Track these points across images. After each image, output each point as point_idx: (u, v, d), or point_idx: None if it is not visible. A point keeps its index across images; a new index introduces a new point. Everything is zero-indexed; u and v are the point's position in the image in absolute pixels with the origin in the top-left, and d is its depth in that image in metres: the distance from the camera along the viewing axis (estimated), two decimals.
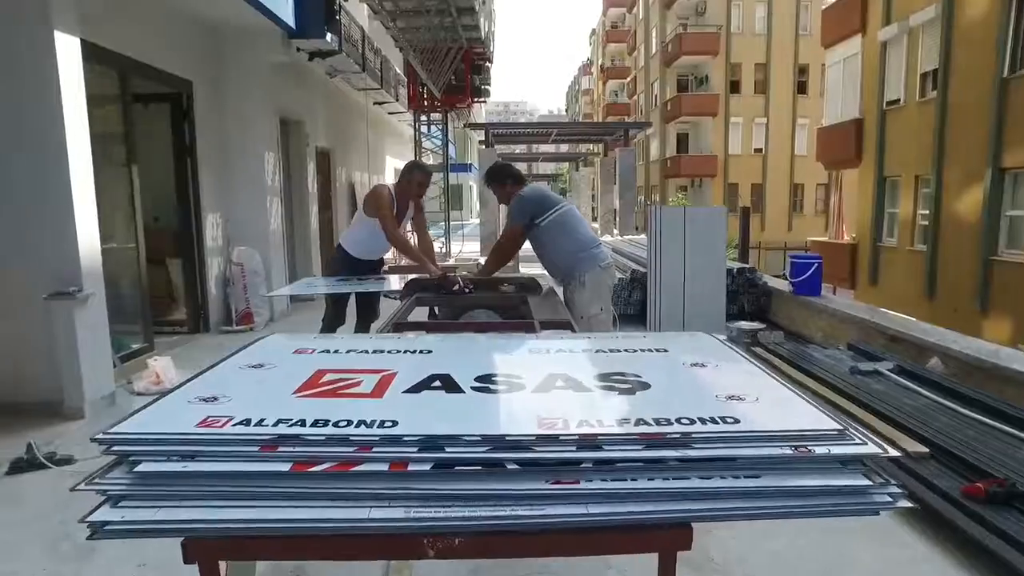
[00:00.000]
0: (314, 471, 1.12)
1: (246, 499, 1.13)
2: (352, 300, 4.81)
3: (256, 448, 1.16)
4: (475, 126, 17.56)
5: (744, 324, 5.75)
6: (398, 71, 12.99)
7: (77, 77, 4.27)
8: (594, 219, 24.33)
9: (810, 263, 6.17)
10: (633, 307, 7.40)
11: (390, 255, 4.92)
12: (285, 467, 1.14)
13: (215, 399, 1.36)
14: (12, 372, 4.28)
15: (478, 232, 16.19)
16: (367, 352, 1.73)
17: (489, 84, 13.84)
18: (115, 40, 5.25)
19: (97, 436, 1.22)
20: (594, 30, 61.91)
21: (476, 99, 14.55)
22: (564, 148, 33.52)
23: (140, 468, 1.16)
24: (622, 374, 1.52)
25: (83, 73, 4.34)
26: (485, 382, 1.47)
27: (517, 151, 35.56)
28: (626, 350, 1.75)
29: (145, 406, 1.36)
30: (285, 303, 7.81)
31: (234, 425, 1.22)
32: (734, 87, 32.07)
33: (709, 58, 32.03)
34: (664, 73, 35.07)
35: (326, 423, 1.21)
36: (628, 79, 46.87)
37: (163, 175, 6.52)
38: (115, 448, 1.21)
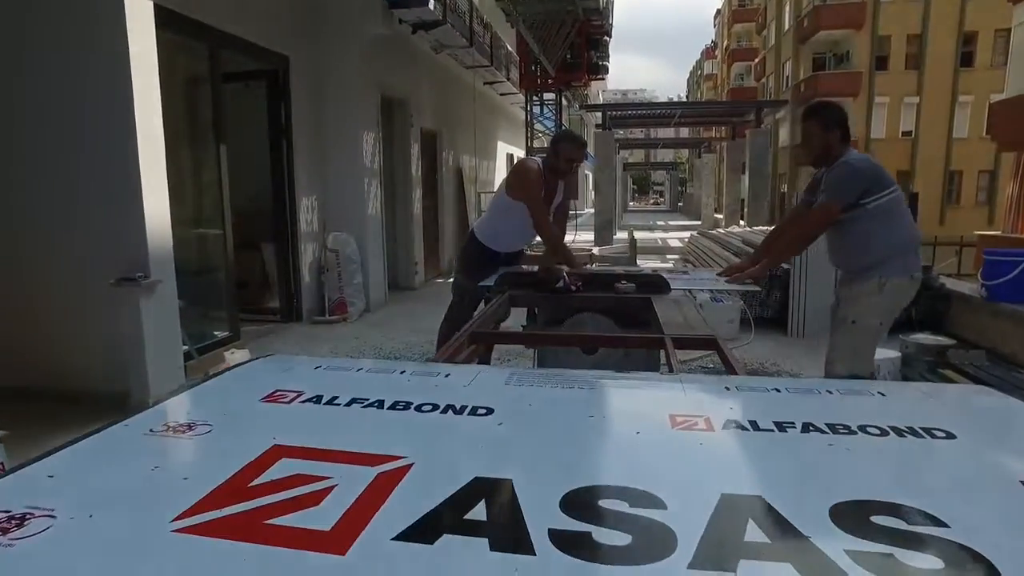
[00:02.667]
0: None
1: None
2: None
3: None
4: (593, 107, 16.60)
5: (923, 337, 4.52)
6: (509, 48, 12.29)
7: (149, 48, 3.88)
8: (718, 210, 22.67)
9: (1017, 260, 4.80)
10: (772, 309, 6.27)
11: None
12: None
13: (18, 523, 0.65)
14: (81, 362, 4.00)
15: (592, 222, 15.28)
16: (380, 406, 0.98)
17: (607, 60, 12.82)
18: (204, 11, 4.88)
19: None
20: (719, 10, 58.64)
21: (593, 76, 13.57)
22: (684, 134, 31.80)
23: None
24: (893, 507, 0.67)
25: (168, 47, 3.96)
26: (584, 514, 0.67)
27: (634, 137, 34.20)
28: (864, 429, 0.89)
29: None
30: (382, 293, 7.35)
31: None
32: (880, 63, 28.82)
33: (852, 31, 28.95)
34: (798, 51, 32.20)
35: None
36: (756, 60, 43.74)
37: (258, 157, 6.20)
38: None
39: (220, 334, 5.19)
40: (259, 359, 1.31)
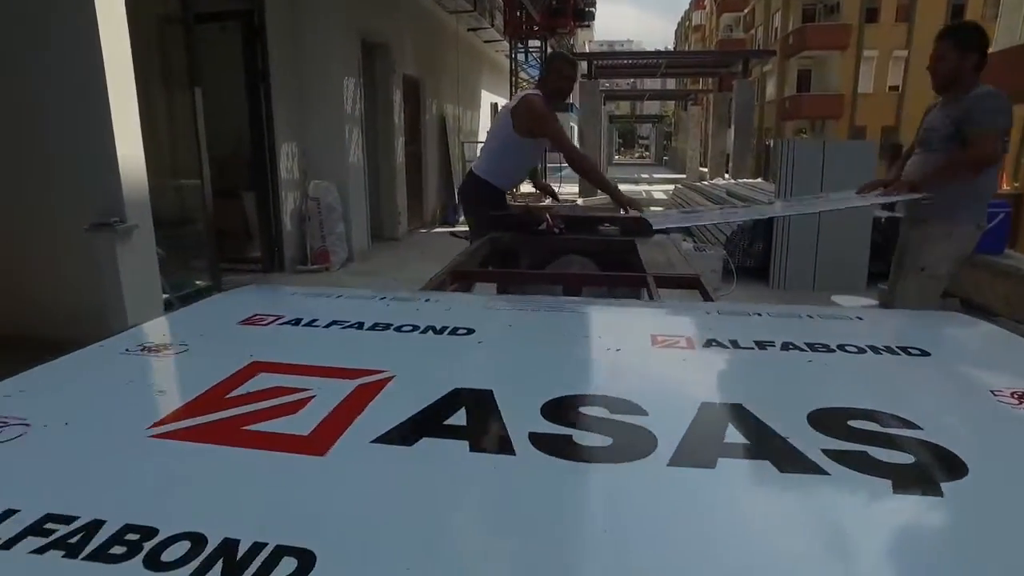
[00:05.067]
0: None
1: None
2: None
3: None
4: (578, 56, 16.24)
5: None
6: None
7: None
8: (703, 163, 22.57)
9: (995, 211, 4.85)
10: (755, 259, 6.32)
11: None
12: None
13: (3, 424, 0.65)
14: (61, 308, 3.94)
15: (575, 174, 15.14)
16: (360, 327, 0.97)
17: (593, 6, 12.51)
18: None
19: None
20: None
21: (579, 22, 13.25)
22: (671, 85, 31.37)
23: None
24: (869, 413, 0.68)
25: None
26: (565, 419, 0.67)
27: (620, 89, 33.78)
28: (843, 347, 0.89)
29: None
30: (365, 242, 7.28)
31: None
32: (871, 16, 28.46)
33: None
34: (788, 2, 31.66)
35: (140, 540, 0.46)
36: (745, 11, 42.99)
37: (235, 103, 6.02)
38: None
39: (201, 283, 5.13)
40: (237, 288, 1.29)
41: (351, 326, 0.97)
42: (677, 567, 0.45)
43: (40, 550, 0.45)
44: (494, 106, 14.26)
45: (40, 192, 3.84)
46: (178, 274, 4.80)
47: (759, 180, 12.10)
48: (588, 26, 16.45)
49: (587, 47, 37.89)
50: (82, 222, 3.69)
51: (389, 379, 0.76)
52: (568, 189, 14.07)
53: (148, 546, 0.45)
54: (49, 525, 0.48)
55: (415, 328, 0.95)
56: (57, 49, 3.65)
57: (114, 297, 3.77)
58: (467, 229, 3.10)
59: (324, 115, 6.58)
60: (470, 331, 0.94)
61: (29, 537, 0.46)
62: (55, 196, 3.82)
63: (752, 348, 0.90)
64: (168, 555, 0.45)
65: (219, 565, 0.43)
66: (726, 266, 5.86)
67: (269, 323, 1.00)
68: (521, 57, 13.62)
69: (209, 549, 0.45)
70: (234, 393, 0.73)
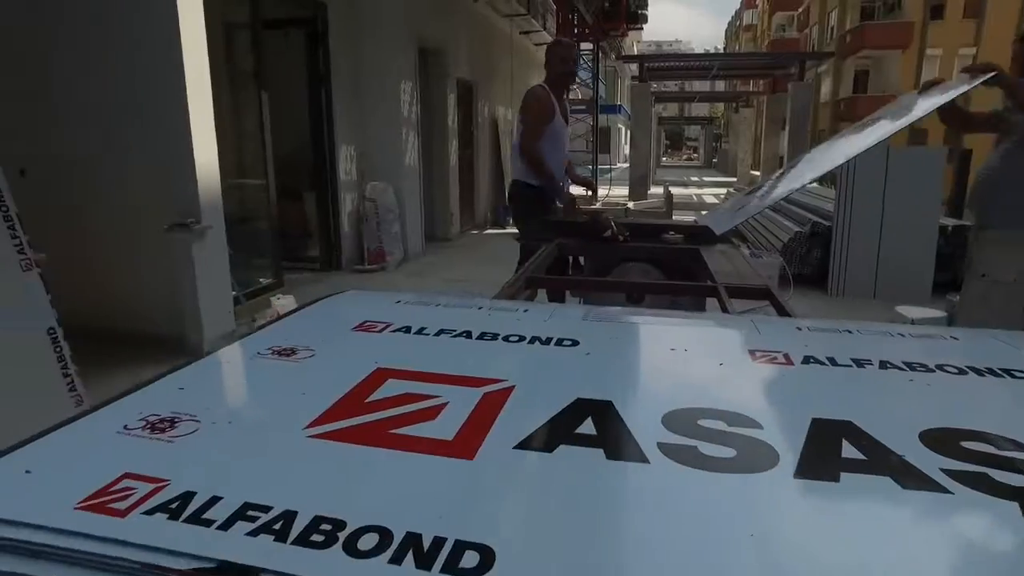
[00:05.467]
0: None
1: None
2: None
3: None
4: (630, 58, 16.19)
5: None
6: None
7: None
8: (754, 166, 22.16)
9: None
10: (811, 267, 6.21)
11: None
12: None
13: (169, 424, 0.72)
14: (137, 305, 4.15)
15: (626, 176, 15.09)
16: (468, 335, 1.03)
17: (645, 8, 12.45)
18: None
19: None
20: None
21: (631, 25, 13.20)
22: (720, 87, 30.86)
23: None
24: (982, 435, 0.70)
25: None
26: (686, 431, 0.71)
27: (668, 91, 33.41)
28: (942, 368, 0.91)
29: (55, 427, 0.75)
30: (419, 243, 7.42)
31: (153, 510, 0.56)
32: (936, 12, 27.46)
33: None
34: (845, 0, 30.82)
35: (333, 530, 0.52)
36: (799, 10, 42.00)
37: (297, 105, 6.23)
38: None
39: (264, 281, 5.33)
40: (334, 295, 1.36)
41: (459, 335, 1.03)
42: (823, 572, 0.49)
43: (253, 533, 0.52)
44: None
45: (122, 194, 4.04)
46: (244, 272, 4.99)
47: (814, 184, 11.81)
48: (640, 28, 16.35)
49: (635, 48, 37.61)
50: (161, 222, 3.88)
51: (511, 388, 0.81)
52: (618, 192, 14.03)
53: (342, 536, 0.51)
54: (251, 512, 0.54)
55: (522, 338, 1.00)
56: (141, 56, 3.84)
57: (189, 294, 3.96)
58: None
59: (381, 118, 6.74)
60: (575, 342, 0.99)
61: (239, 522, 0.53)
62: (136, 198, 4.01)
63: (851, 366, 0.92)
64: (362, 544, 0.50)
65: (409, 556, 0.49)
66: (782, 273, 5.78)
67: (382, 330, 1.06)
68: None
69: (396, 541, 0.51)
70: (371, 398, 0.79)
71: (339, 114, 6.36)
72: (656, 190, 14.61)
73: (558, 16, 12.10)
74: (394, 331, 1.06)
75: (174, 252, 3.93)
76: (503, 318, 1.14)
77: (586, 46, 13.41)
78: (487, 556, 0.49)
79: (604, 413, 0.74)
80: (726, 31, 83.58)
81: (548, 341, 0.99)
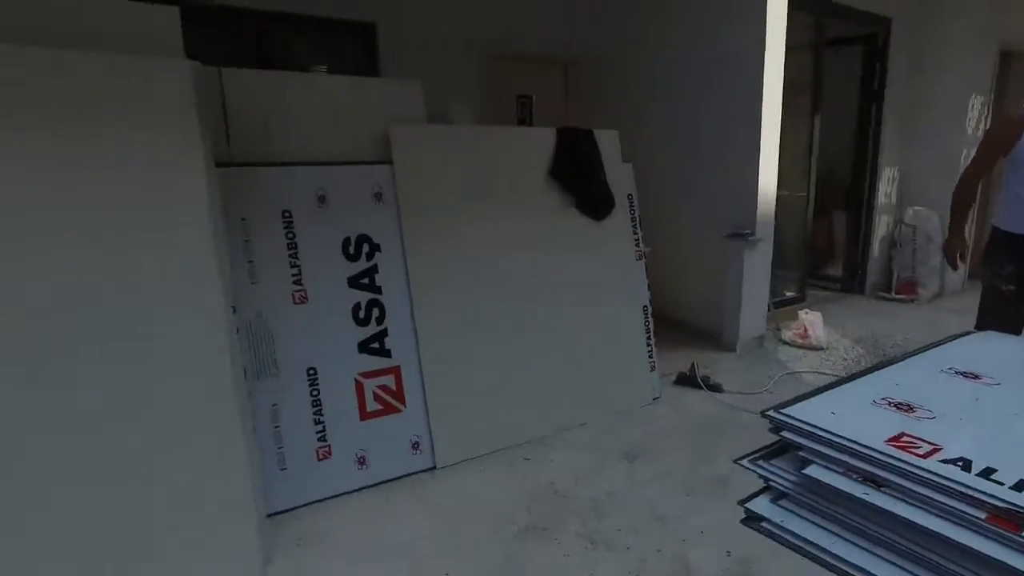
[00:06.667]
0: None
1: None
2: None
3: (980, 515, 0.79)
4: None
5: None
6: None
7: (779, 32, 4.33)
8: None
9: None
10: None
11: None
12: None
13: (910, 408, 1.03)
14: (686, 298, 4.91)
15: None
16: None
17: None
18: None
19: (768, 412, 1.07)
20: None
21: None
22: None
23: (810, 471, 0.96)
24: None
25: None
26: None
27: None
28: None
29: (820, 390, 1.14)
30: (960, 280, 6.57)
31: (943, 461, 0.87)
32: None
33: None
34: None
35: None
36: None
37: (843, 122, 6.21)
38: (783, 433, 1.04)
39: (790, 294, 5.58)
40: (974, 334, 1.50)
41: None
42: None
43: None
44: None
45: (696, 200, 4.78)
46: (774, 282, 5.33)
47: None
48: None
49: None
50: (720, 230, 4.51)
51: None
52: None
53: None
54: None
55: None
56: (730, 77, 4.46)
57: (734, 297, 4.49)
58: None
59: (935, 136, 6.17)
60: None
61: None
62: (705, 204, 4.71)
63: None
64: None
65: None
66: None
67: None
68: None
69: None
70: None
71: (887, 133, 6.10)
72: None
73: None
74: None
75: (727, 258, 4.51)
76: None
77: None
78: None
79: None
80: None
81: None
